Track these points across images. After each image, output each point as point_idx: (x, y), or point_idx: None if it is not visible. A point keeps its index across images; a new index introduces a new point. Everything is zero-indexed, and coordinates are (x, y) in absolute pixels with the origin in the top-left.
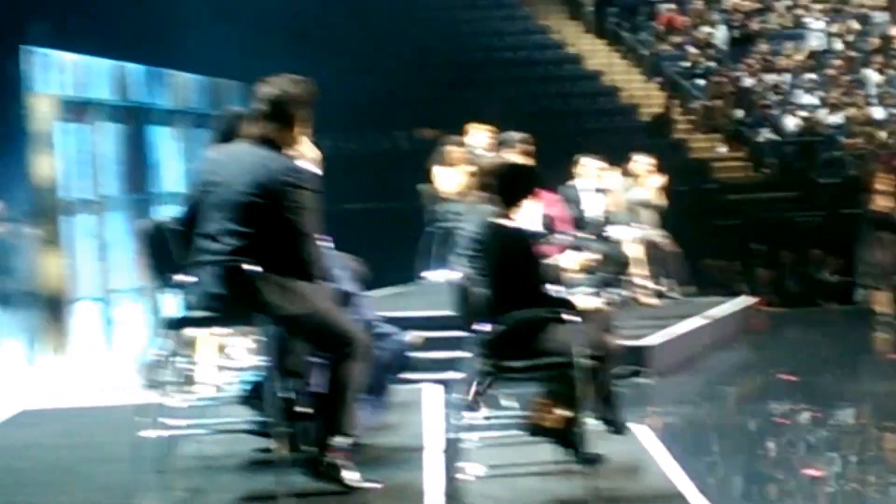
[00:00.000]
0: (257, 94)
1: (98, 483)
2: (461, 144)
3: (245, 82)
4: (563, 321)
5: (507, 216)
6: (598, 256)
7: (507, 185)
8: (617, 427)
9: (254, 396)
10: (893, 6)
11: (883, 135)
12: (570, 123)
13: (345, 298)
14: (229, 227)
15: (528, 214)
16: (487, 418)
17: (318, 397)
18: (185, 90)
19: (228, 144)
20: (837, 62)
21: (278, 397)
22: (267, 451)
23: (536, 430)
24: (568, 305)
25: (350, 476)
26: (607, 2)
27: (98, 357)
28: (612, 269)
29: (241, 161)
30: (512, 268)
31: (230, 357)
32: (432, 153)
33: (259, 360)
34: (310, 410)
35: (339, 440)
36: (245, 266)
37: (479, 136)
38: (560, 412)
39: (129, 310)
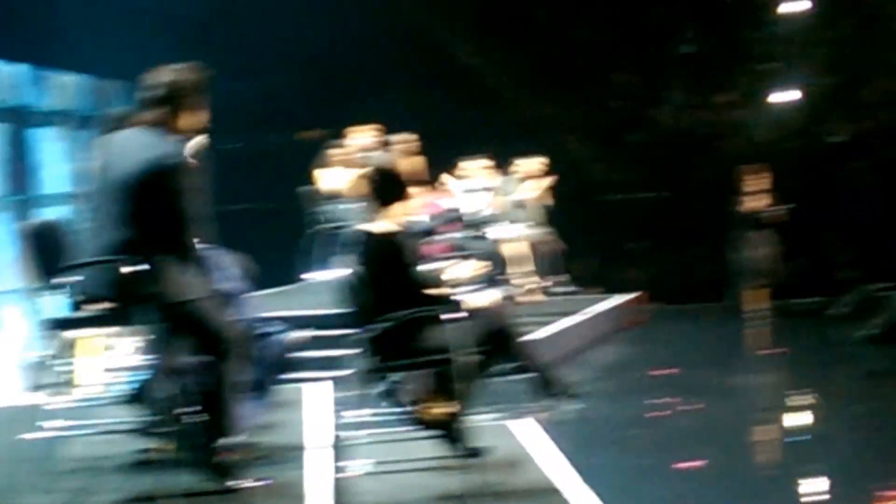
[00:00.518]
0: (148, 81)
1: None
2: (343, 146)
3: (129, 82)
4: (443, 320)
5: (378, 219)
6: (488, 263)
7: (379, 189)
8: (565, 392)
9: (138, 396)
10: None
11: (754, 136)
12: (449, 124)
13: (230, 298)
14: (117, 212)
15: (416, 211)
16: (372, 415)
17: (202, 397)
18: (69, 91)
19: (116, 132)
20: (705, 64)
21: (162, 397)
22: (152, 451)
23: (421, 422)
24: (449, 304)
25: (236, 478)
26: (484, 3)
27: None
28: (492, 268)
29: (128, 146)
30: (385, 271)
31: (115, 357)
32: (315, 154)
33: (143, 360)
34: (194, 410)
35: (224, 441)
36: (131, 262)
37: (362, 138)
38: (443, 406)
39: (11, 311)
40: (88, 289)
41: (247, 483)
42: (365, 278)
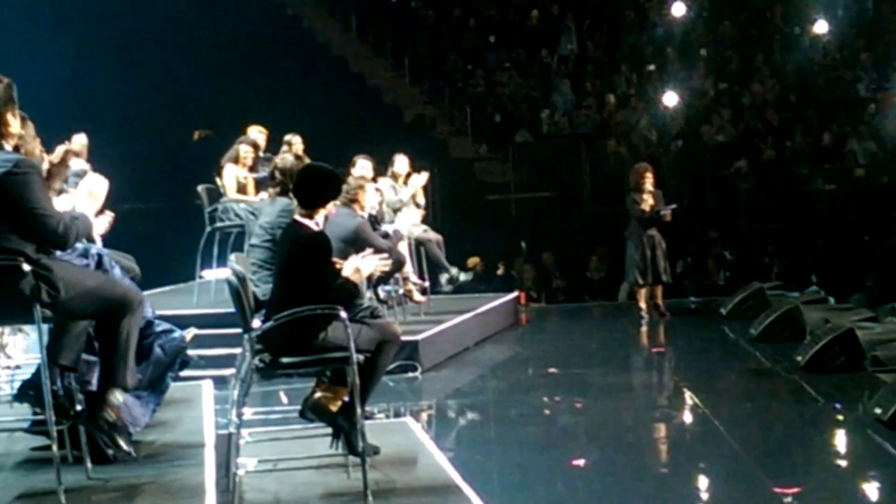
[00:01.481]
0: None
1: None
2: (253, 144)
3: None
4: (340, 319)
5: (310, 216)
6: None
7: (312, 188)
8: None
9: (30, 394)
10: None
11: (638, 136)
12: (336, 124)
13: None
14: None
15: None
16: (268, 412)
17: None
18: None
19: None
20: (590, 66)
21: (52, 394)
22: (45, 448)
23: (316, 410)
24: (348, 304)
25: (129, 437)
26: (369, 5)
27: None
28: (390, 268)
29: None
30: (303, 267)
31: (6, 355)
32: (210, 153)
33: (34, 358)
34: (82, 407)
35: (116, 395)
36: (7, 262)
37: (259, 137)
38: (336, 405)
39: None
40: None
41: (126, 448)
42: (278, 270)
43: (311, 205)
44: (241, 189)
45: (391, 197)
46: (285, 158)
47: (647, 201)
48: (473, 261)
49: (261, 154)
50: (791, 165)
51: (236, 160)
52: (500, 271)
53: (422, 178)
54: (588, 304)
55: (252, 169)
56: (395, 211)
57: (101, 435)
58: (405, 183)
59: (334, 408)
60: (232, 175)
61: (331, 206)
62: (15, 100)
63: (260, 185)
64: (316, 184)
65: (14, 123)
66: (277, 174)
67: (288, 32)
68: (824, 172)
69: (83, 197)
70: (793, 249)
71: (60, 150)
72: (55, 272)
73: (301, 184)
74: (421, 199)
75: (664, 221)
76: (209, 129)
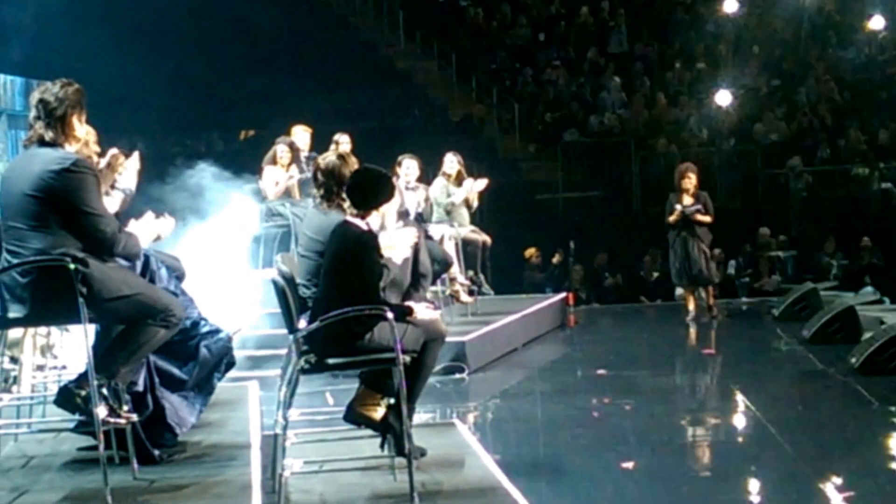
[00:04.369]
0: (30, 101)
1: None
2: (290, 144)
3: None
4: (386, 319)
5: (362, 217)
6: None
7: (365, 190)
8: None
9: (76, 395)
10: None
11: (684, 135)
12: (382, 123)
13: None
14: (27, 226)
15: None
16: (314, 414)
17: (137, 396)
18: (3, 92)
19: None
20: (640, 64)
21: (98, 395)
22: (92, 448)
23: (358, 418)
24: (396, 307)
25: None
26: (416, 3)
27: None
28: (435, 268)
29: (24, 164)
30: (350, 266)
31: (53, 356)
32: (255, 153)
33: (81, 359)
34: (129, 408)
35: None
36: (53, 263)
37: (304, 136)
38: (381, 405)
39: None
40: (16, 288)
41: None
42: (326, 270)
43: (363, 206)
44: (285, 191)
45: (442, 198)
46: (327, 159)
47: (682, 202)
48: (531, 251)
49: (305, 154)
50: (846, 164)
51: (274, 161)
52: (556, 259)
53: (480, 183)
54: (637, 304)
55: (291, 167)
56: (447, 212)
57: (76, 412)
58: (455, 182)
59: (376, 415)
60: (270, 177)
61: (384, 209)
62: (83, 105)
63: (304, 186)
64: (369, 186)
65: (79, 128)
66: (320, 176)
67: (335, 31)
68: (880, 171)
69: (145, 229)
70: (848, 249)
71: (111, 153)
72: (101, 273)
73: (354, 186)
74: (475, 202)
75: (695, 221)
76: (252, 129)
